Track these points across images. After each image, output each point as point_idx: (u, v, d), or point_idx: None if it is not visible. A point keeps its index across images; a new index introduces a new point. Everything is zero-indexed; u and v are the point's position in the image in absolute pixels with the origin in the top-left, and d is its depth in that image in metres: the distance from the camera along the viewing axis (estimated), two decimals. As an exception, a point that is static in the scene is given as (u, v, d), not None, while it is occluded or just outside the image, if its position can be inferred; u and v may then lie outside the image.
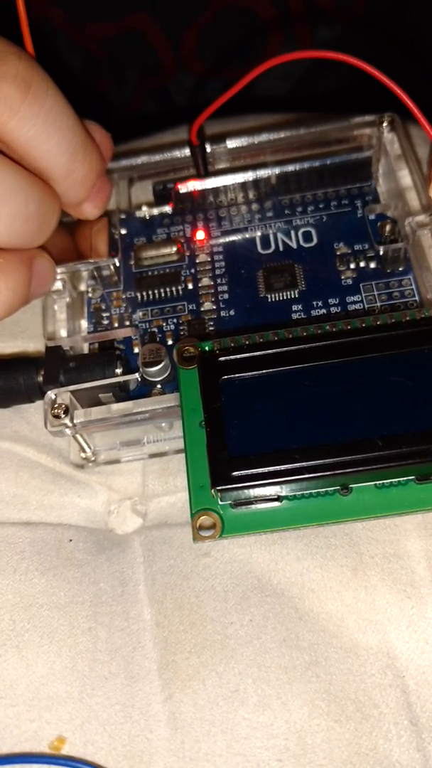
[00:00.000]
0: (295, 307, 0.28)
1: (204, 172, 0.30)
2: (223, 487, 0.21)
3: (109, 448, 0.28)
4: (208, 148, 0.31)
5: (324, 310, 0.28)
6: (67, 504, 0.27)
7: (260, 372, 0.23)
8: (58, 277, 0.28)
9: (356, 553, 0.23)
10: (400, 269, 0.28)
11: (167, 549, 0.25)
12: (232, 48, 0.41)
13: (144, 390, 0.27)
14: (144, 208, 0.31)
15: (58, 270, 0.28)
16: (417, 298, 0.27)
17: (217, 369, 0.23)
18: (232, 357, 0.23)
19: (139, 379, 0.26)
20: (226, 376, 0.23)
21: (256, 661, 0.22)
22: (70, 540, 0.25)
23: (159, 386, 0.27)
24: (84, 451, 0.27)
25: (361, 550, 0.23)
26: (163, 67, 0.41)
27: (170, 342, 0.28)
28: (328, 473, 0.21)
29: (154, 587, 0.24)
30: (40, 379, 0.26)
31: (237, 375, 0.23)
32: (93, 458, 0.28)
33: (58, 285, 0.28)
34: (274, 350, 0.23)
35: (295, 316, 0.28)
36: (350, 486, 0.22)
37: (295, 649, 0.22)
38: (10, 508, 0.26)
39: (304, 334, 0.24)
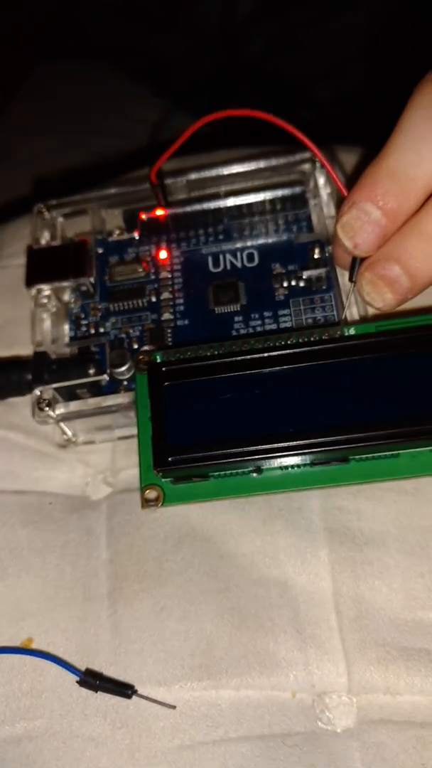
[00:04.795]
0: (236, 319, 0.34)
1: (164, 204, 0.36)
2: (163, 468, 0.28)
3: (86, 432, 0.34)
4: (171, 180, 0.37)
5: (260, 321, 0.34)
6: (51, 477, 0.34)
7: (196, 379, 0.29)
8: (46, 293, 0.35)
9: (268, 507, 0.30)
10: (324, 288, 0.34)
11: (127, 508, 0.32)
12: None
13: (113, 386, 0.33)
14: (116, 232, 0.37)
15: (46, 287, 0.35)
16: (335, 313, 0.34)
17: (162, 377, 0.29)
18: (174, 367, 0.30)
19: (107, 378, 0.33)
20: (168, 383, 0.29)
21: (183, 587, 0.29)
22: (50, 503, 0.33)
23: (125, 383, 0.33)
24: (65, 434, 0.34)
25: (272, 504, 0.30)
26: None
27: (136, 346, 0.34)
28: (244, 459, 0.28)
29: (112, 535, 0.31)
30: (29, 377, 0.33)
31: (178, 381, 0.29)
32: (73, 440, 0.34)
33: (44, 300, 0.35)
34: (209, 362, 0.30)
35: (236, 326, 0.34)
36: (261, 468, 0.28)
37: (213, 579, 0.29)
38: (3, 481, 0.33)
39: (234, 348, 0.30)
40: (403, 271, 0.27)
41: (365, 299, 0.28)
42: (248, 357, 0.29)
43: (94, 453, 0.35)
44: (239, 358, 0.29)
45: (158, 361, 0.31)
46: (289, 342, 0.30)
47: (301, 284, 0.35)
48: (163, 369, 0.30)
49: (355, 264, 0.29)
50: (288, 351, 0.29)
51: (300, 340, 0.30)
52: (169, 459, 0.28)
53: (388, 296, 0.27)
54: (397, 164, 0.26)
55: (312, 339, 0.30)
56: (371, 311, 0.32)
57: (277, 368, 0.29)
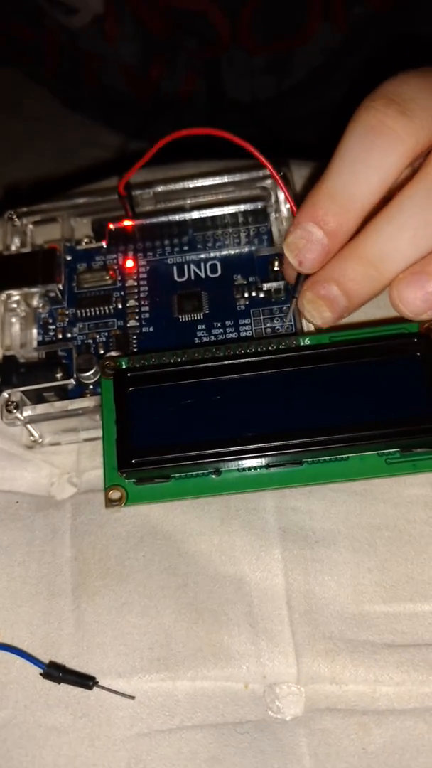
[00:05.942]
0: (199, 327, 0.36)
1: (132, 215, 0.37)
2: (126, 469, 0.29)
3: (52, 434, 0.36)
4: (139, 192, 0.38)
5: (222, 330, 0.36)
6: (17, 477, 0.35)
7: (159, 385, 0.31)
8: (15, 298, 0.36)
9: (226, 508, 0.32)
10: (282, 299, 0.36)
11: (90, 507, 0.33)
12: (279, 24, 0.52)
13: (79, 390, 0.35)
14: (85, 241, 0.38)
15: (16, 292, 0.36)
16: (292, 323, 0.35)
17: (127, 382, 0.31)
18: (138, 373, 0.31)
19: (74, 383, 0.34)
20: (132, 388, 0.31)
21: (143, 583, 0.30)
22: (17, 502, 0.34)
23: (91, 387, 0.35)
24: (32, 435, 0.35)
25: (230, 505, 0.32)
26: (219, 39, 0.51)
27: (102, 352, 0.36)
28: (204, 461, 0.29)
29: (77, 533, 0.32)
30: (-2, 380, 0.34)
31: (141, 387, 0.31)
32: (40, 441, 0.36)
33: (14, 305, 0.36)
34: (172, 369, 0.31)
35: (199, 334, 0.36)
36: (220, 470, 0.30)
37: (173, 575, 0.30)
38: (-30, 481, 0.34)
39: (196, 356, 0.32)
40: (341, 292, 0.29)
41: (305, 317, 0.30)
42: (209, 365, 0.31)
43: (59, 454, 0.36)
44: (201, 365, 0.31)
45: (124, 367, 0.32)
46: (247, 351, 0.31)
47: (261, 295, 0.36)
48: (128, 375, 0.31)
49: (299, 281, 0.31)
50: (246, 360, 0.31)
51: (258, 349, 0.31)
52: (133, 461, 0.29)
53: (326, 314, 0.29)
54: (335, 186, 0.28)
55: (269, 348, 0.31)
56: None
57: (237, 375, 0.31)
